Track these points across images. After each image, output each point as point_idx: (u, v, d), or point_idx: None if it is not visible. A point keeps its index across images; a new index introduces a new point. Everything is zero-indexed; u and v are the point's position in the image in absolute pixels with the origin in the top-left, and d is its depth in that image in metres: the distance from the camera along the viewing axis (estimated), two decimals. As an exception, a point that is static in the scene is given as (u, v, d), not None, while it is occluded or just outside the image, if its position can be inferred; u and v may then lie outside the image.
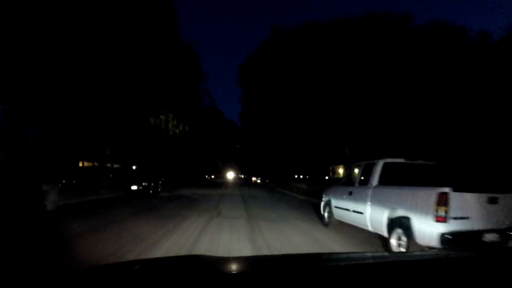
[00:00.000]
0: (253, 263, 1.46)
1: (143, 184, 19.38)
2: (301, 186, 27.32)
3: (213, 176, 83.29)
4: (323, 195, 8.98)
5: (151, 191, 19.63)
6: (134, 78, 21.95)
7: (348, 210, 7.16)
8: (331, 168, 38.25)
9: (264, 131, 32.02)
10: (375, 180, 6.46)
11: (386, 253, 3.35)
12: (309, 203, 15.76)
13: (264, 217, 9.81)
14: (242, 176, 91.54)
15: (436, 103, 18.13)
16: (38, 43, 18.10)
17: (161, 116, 25.91)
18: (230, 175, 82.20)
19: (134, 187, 19.02)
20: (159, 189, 21.62)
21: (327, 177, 26.52)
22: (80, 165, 29.13)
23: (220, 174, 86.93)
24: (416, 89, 18.14)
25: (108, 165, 32.80)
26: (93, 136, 26.41)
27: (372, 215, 6.15)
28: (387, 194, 5.96)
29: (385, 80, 19.01)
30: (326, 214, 8.56)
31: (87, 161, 29.96)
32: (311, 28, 20.73)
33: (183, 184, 32.74)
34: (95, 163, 30.37)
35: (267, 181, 50.64)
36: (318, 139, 26.56)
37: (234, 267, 1.33)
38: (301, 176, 37.39)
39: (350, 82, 19.57)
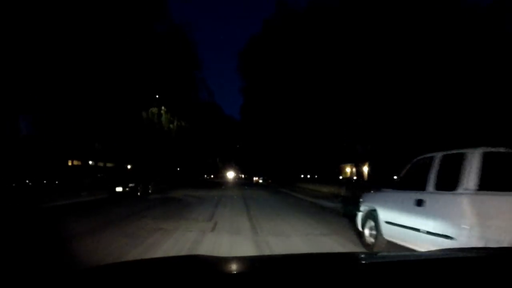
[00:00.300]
0: (254, 263, 1.40)
1: (130, 185, 16.81)
2: (309, 187, 24.72)
3: (212, 176, 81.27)
4: (361, 202, 6.37)
5: (139, 193, 17.13)
6: (120, 64, 19.30)
7: (415, 229, 4.54)
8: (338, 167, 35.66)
9: (267, 126, 29.04)
10: (471, 182, 3.87)
11: (390, 253, 2.84)
12: (324, 208, 13.17)
13: (276, 231, 7.19)
14: (243, 176, 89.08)
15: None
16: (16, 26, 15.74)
17: (152, 109, 23.18)
18: (230, 174, 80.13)
19: (119, 189, 16.53)
20: (150, 191, 19.21)
21: (340, 177, 23.90)
22: (70, 164, 26.86)
23: (220, 173, 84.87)
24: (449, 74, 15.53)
25: (101, 164, 30.65)
26: (82, 131, 24.15)
27: (475, 243, 3.55)
28: (509, 207, 3.39)
29: (411, 66, 16.37)
30: (367, 231, 5.94)
31: (78, 159, 27.73)
32: (323, 4, 17.93)
33: (178, 185, 30.22)
34: (89, 162, 28.52)
35: (270, 181, 47.99)
36: (327, 135, 23.99)
37: (234, 267, 1.28)
38: (308, 176, 34.45)
39: (368, 69, 16.93)
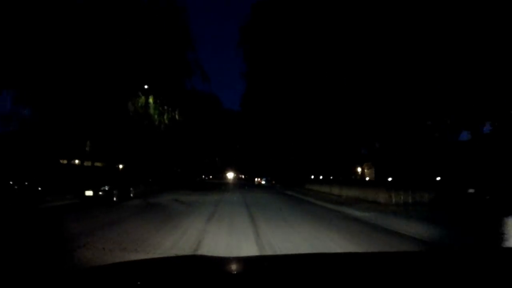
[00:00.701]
0: (254, 263, 1.39)
1: (103, 188, 13.46)
2: (323, 190, 21.23)
3: (211, 176, 78.31)
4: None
5: (115, 198, 13.78)
6: (99, 42, 15.83)
7: None
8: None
9: (272, 119, 25.29)
10: None
11: (391, 253, 2.80)
12: (359, 221, 9.62)
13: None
14: (243, 176, 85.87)
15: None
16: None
17: (139, 99, 19.63)
18: (230, 175, 77.10)
19: (89, 193, 13.28)
20: (131, 195, 16.01)
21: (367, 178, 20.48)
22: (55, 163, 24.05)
23: (219, 174, 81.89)
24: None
25: (88, 163, 27.59)
26: (59, 126, 21.03)
27: None
28: None
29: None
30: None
31: (62, 158, 24.92)
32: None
33: (172, 186, 26.81)
34: (75, 161, 25.74)
35: (273, 182, 44.55)
36: (342, 130, 20.57)
37: (235, 267, 1.27)
38: (321, 177, 30.72)
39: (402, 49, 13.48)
